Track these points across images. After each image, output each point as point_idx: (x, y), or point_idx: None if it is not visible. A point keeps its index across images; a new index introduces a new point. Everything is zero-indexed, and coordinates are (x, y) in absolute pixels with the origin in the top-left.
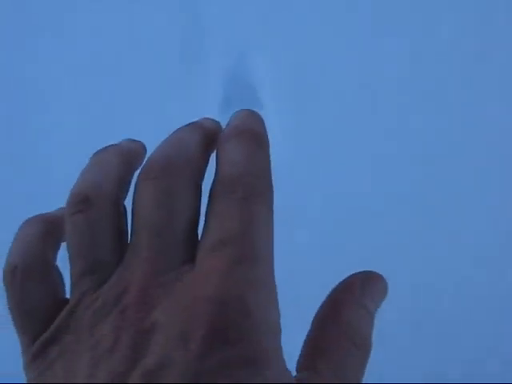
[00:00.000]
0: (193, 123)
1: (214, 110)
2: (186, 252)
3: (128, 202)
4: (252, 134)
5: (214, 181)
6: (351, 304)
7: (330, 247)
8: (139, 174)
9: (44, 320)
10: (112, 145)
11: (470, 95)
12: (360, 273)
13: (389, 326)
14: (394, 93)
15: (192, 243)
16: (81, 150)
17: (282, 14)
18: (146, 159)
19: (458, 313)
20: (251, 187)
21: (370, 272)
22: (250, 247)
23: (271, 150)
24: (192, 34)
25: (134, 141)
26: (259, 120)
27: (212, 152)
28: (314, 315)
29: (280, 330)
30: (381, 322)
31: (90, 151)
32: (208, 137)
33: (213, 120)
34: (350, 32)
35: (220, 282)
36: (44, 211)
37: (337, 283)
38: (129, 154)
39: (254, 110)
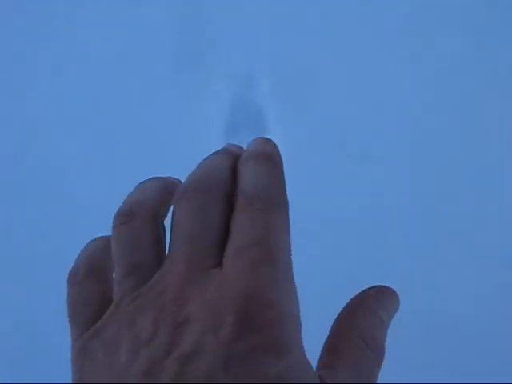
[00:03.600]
0: (220, 150)
1: (220, 134)
2: (215, 257)
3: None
4: (267, 156)
5: (236, 196)
6: (366, 313)
7: (339, 258)
8: (176, 194)
9: (94, 315)
10: (154, 176)
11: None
12: (375, 287)
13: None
14: (405, 120)
15: (221, 249)
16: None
17: (288, 38)
18: (184, 181)
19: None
20: (269, 200)
21: (384, 286)
22: (271, 250)
23: None
24: (197, 56)
25: (171, 177)
26: (273, 145)
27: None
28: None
29: (300, 322)
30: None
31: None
32: (233, 160)
33: (236, 145)
34: (358, 57)
35: (245, 279)
36: None
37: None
38: (169, 183)
39: (256, 134)
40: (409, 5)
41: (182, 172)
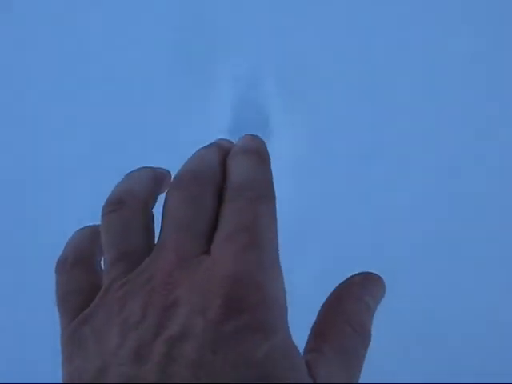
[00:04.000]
0: (212, 144)
1: (224, 135)
2: (205, 244)
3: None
4: (255, 151)
5: (225, 188)
6: (352, 299)
7: (343, 263)
8: (170, 184)
9: (83, 303)
10: (144, 166)
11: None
12: (361, 273)
13: None
14: (409, 124)
15: (210, 238)
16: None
17: (292, 39)
18: (176, 172)
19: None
20: (256, 191)
21: (370, 273)
22: (258, 235)
23: (280, 176)
24: (201, 57)
25: (161, 168)
26: (261, 141)
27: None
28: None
29: (286, 305)
30: None
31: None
32: (224, 155)
33: (227, 140)
34: (364, 57)
35: (233, 263)
36: None
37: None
38: (158, 173)
39: (260, 135)
40: (415, 3)
41: None
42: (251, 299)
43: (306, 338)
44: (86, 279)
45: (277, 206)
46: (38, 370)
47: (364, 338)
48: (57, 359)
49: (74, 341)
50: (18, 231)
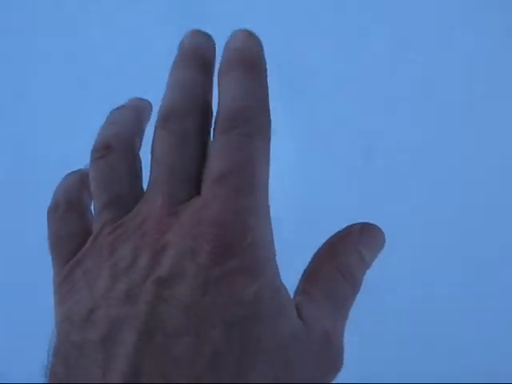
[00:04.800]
0: (191, 56)
1: None
2: (195, 187)
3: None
4: (250, 63)
5: (216, 116)
6: (347, 247)
7: None
8: (156, 122)
9: (75, 247)
10: (124, 104)
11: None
12: (360, 223)
13: None
14: (410, 125)
15: (200, 180)
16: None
17: (293, 39)
18: (160, 106)
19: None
20: (251, 122)
21: (370, 224)
22: (249, 178)
23: (284, 173)
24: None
25: (142, 99)
26: (256, 43)
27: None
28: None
29: (274, 248)
30: None
31: None
32: (210, 73)
33: (203, 33)
34: (365, 57)
35: (222, 206)
36: None
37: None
38: (140, 110)
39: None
40: (416, 4)
41: None
42: (240, 243)
43: None
44: (78, 224)
45: (271, 144)
46: None
47: (353, 285)
48: None
49: (66, 284)
50: (17, 233)
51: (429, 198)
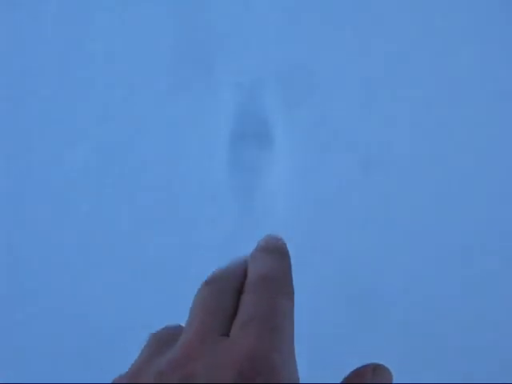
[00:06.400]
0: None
1: (225, 143)
2: (226, 329)
3: None
4: (275, 248)
5: (246, 282)
6: None
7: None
8: (203, 283)
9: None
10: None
11: None
12: (372, 364)
13: None
14: (411, 132)
15: (230, 324)
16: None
17: (295, 46)
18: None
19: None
20: (275, 284)
21: (379, 364)
22: (274, 322)
23: (282, 185)
24: (202, 64)
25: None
26: (282, 240)
27: None
28: None
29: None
30: None
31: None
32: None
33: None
34: (367, 65)
35: (249, 344)
36: None
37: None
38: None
39: (261, 143)
40: (416, 11)
41: (187, 179)
42: (266, 379)
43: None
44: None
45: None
46: None
47: None
48: None
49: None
50: (18, 243)
51: (428, 210)
